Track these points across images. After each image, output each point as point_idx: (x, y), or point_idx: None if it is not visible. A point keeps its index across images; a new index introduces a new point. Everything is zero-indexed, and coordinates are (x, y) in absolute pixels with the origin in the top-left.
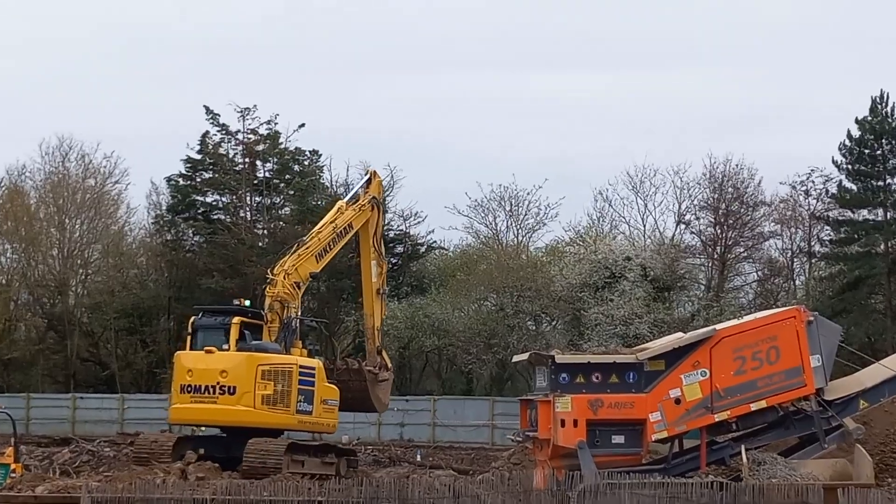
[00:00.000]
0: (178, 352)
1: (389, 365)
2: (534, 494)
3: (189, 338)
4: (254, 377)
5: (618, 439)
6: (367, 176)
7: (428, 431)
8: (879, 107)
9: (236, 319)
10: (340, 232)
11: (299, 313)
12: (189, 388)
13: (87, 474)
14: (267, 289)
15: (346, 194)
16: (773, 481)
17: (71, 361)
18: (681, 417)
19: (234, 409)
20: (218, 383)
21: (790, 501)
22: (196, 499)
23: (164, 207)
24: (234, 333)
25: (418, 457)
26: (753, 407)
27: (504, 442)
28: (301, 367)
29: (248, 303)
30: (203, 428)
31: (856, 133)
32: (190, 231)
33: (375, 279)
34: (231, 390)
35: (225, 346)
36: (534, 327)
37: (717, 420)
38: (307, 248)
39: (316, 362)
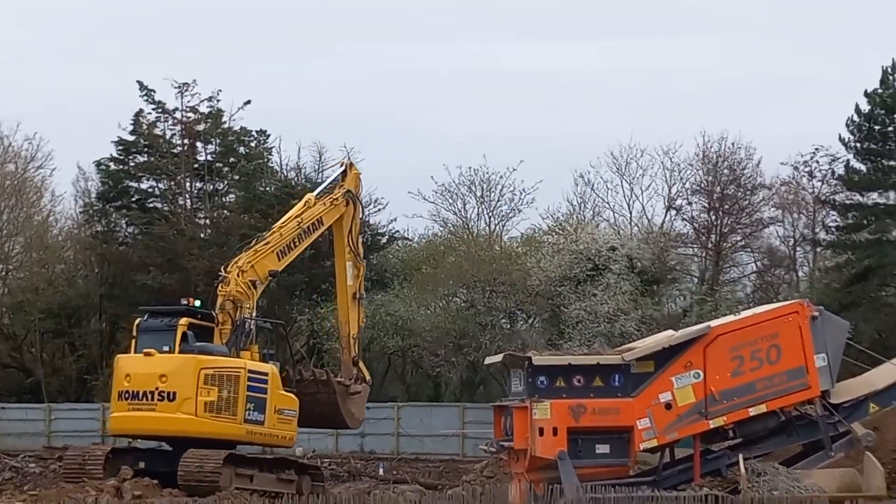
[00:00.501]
0: (118, 355)
1: (368, 377)
2: None
3: (133, 341)
4: (196, 382)
5: (602, 449)
6: (342, 168)
7: (391, 442)
8: (891, 78)
9: (184, 321)
10: (307, 228)
11: (254, 314)
12: (127, 395)
13: (10, 493)
14: (219, 287)
15: (297, 178)
16: (774, 494)
17: None
18: (672, 424)
19: (174, 418)
20: (157, 389)
21: None
22: None
23: (93, 195)
24: (179, 335)
25: (381, 470)
26: (752, 412)
27: (476, 453)
28: (251, 371)
29: (198, 303)
30: (137, 440)
31: (864, 107)
32: (123, 221)
33: (351, 282)
34: (171, 396)
35: (165, 349)
36: (508, 326)
37: (712, 426)
38: (266, 244)
39: (269, 367)
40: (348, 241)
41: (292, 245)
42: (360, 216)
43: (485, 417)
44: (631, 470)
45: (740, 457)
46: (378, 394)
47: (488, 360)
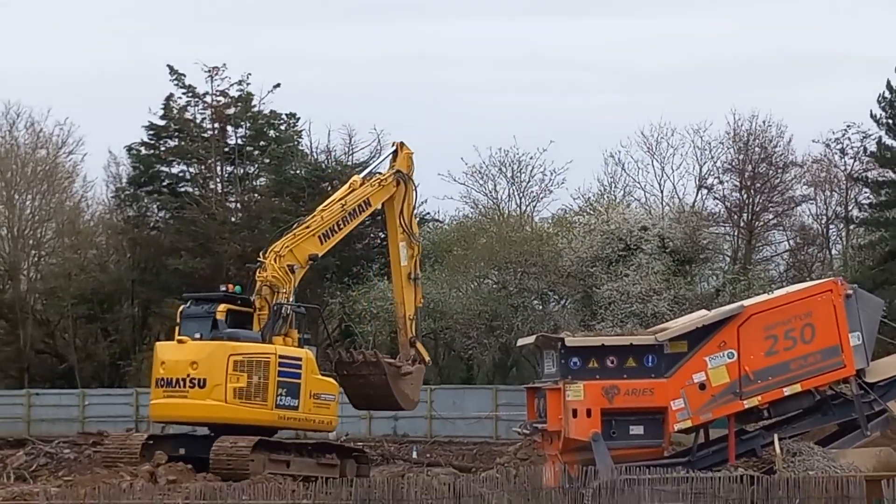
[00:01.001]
0: (157, 342)
1: (427, 358)
2: (544, 493)
3: (177, 327)
4: (225, 368)
5: (636, 430)
6: (393, 148)
7: (424, 425)
8: None
9: (222, 307)
10: (353, 210)
11: (290, 299)
12: (162, 382)
13: (45, 479)
14: (257, 272)
15: (328, 161)
16: (809, 474)
17: (24, 354)
18: (706, 404)
19: (204, 404)
20: (188, 376)
21: (829, 496)
22: None
23: (124, 180)
24: (211, 322)
25: (414, 453)
26: (787, 391)
27: (509, 435)
28: (282, 357)
29: (237, 289)
30: (169, 427)
31: None
32: (154, 206)
33: (405, 262)
34: (201, 383)
35: (197, 336)
36: (540, 307)
37: (746, 407)
38: (307, 228)
39: (304, 352)
40: (400, 221)
41: (336, 228)
42: (414, 196)
43: (517, 399)
44: (665, 451)
45: (775, 437)
46: None
47: (521, 342)
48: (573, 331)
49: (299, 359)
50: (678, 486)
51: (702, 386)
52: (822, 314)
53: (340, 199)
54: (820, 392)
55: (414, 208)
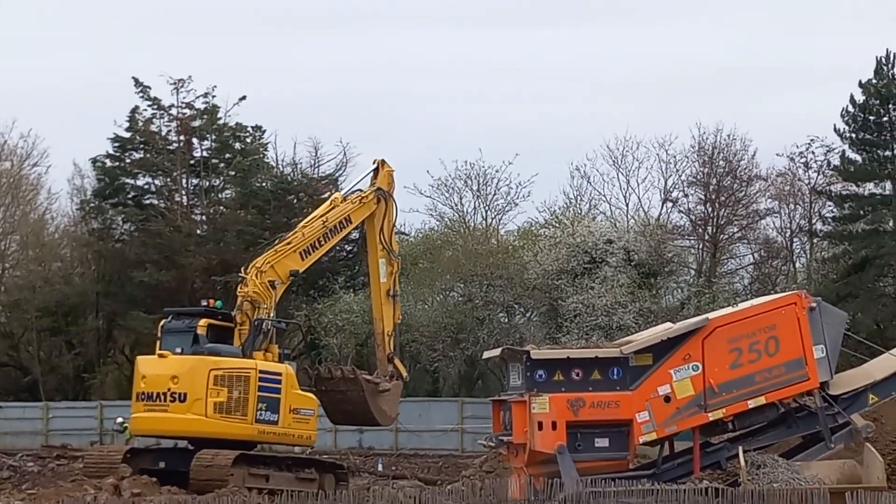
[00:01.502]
0: (139, 356)
1: (404, 374)
2: None
3: (158, 342)
4: (206, 383)
5: (602, 442)
6: (374, 165)
7: (390, 438)
8: (885, 68)
9: (203, 322)
10: (334, 227)
11: (271, 314)
12: (143, 396)
13: (8, 492)
14: (238, 288)
15: (293, 174)
16: (774, 486)
17: None
18: (671, 417)
19: (185, 419)
20: (169, 390)
21: None
22: None
23: (89, 192)
24: (192, 337)
25: (380, 466)
26: (751, 404)
27: (475, 448)
28: (262, 372)
29: (219, 303)
30: (133, 440)
31: (859, 98)
32: (119, 218)
33: (385, 279)
34: (182, 397)
35: (177, 350)
36: (506, 320)
37: (711, 419)
38: (288, 245)
39: (283, 367)
40: (380, 238)
41: (317, 244)
42: (394, 213)
43: (483, 412)
44: (630, 463)
45: (740, 449)
46: None
47: (486, 355)
48: (539, 343)
49: (279, 374)
50: (643, 498)
51: (667, 398)
52: (786, 327)
53: (322, 216)
54: (784, 405)
55: (394, 225)
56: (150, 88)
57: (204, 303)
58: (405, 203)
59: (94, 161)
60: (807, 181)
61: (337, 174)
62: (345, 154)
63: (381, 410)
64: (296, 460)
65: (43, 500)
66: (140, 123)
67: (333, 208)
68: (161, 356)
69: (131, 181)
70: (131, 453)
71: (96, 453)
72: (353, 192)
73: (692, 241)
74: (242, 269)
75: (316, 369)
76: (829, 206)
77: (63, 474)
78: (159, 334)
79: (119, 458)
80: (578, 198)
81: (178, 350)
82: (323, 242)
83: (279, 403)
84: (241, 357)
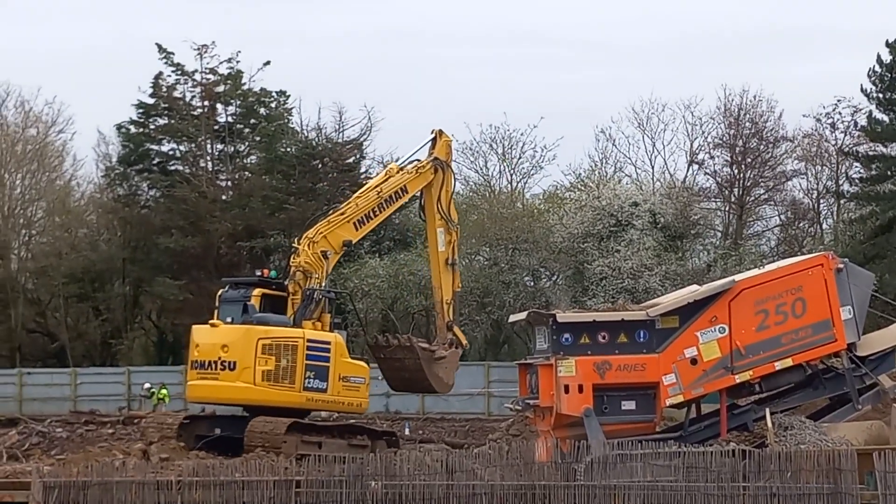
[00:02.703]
0: (194, 325)
1: (464, 341)
2: (536, 468)
3: (216, 311)
4: (254, 352)
5: (628, 405)
6: (432, 136)
7: (417, 402)
8: None
9: (257, 291)
10: (389, 198)
11: (323, 284)
12: (196, 364)
13: (37, 458)
14: (291, 258)
15: (318, 138)
16: (801, 447)
17: (16, 333)
18: (698, 379)
19: (234, 387)
20: (219, 359)
21: (821, 469)
22: (160, 481)
23: (114, 159)
24: (243, 307)
25: (407, 430)
26: (778, 366)
27: (502, 411)
28: (311, 341)
29: (273, 273)
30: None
31: (886, 58)
32: (144, 184)
33: (443, 248)
34: (231, 366)
35: (228, 320)
36: (532, 283)
37: (738, 381)
38: (342, 215)
39: (333, 336)
40: (438, 208)
41: (371, 215)
42: (452, 183)
43: (510, 376)
44: (657, 426)
45: (767, 411)
46: None
47: (512, 318)
48: (565, 307)
49: (328, 343)
50: (670, 460)
51: (693, 361)
52: (813, 289)
53: (376, 187)
54: (811, 366)
55: (452, 195)
56: (173, 54)
57: (258, 273)
58: None
59: (118, 127)
60: (833, 142)
61: (362, 139)
62: (369, 119)
63: (437, 378)
64: (348, 427)
65: (72, 465)
66: (164, 89)
67: (388, 178)
68: (213, 325)
69: (156, 147)
70: (189, 419)
71: (154, 421)
72: (410, 163)
73: (718, 203)
74: (295, 240)
75: (374, 337)
76: (856, 166)
77: (91, 440)
78: (217, 304)
79: (176, 425)
80: (604, 161)
81: (229, 319)
82: (377, 213)
83: (328, 371)
84: (290, 326)
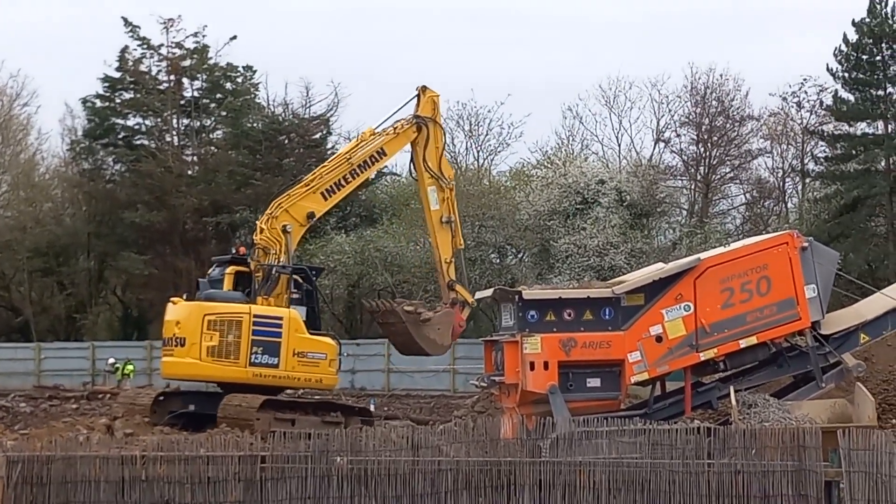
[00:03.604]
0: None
1: (470, 300)
2: (501, 445)
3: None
4: (200, 328)
5: (593, 382)
6: (416, 93)
7: (382, 378)
8: (878, 7)
9: (231, 269)
10: (364, 163)
11: (280, 259)
12: (163, 341)
13: (1, 432)
14: (254, 235)
15: (284, 114)
16: (765, 425)
17: None
18: (663, 357)
19: (184, 362)
20: (174, 335)
21: (785, 446)
22: (125, 456)
23: (80, 132)
24: (226, 284)
25: (372, 406)
26: (743, 344)
27: (467, 388)
28: (258, 316)
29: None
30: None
31: (853, 37)
32: (110, 159)
33: (436, 206)
34: (182, 342)
35: (184, 297)
36: (498, 260)
37: (702, 359)
38: (305, 186)
39: (286, 312)
40: (426, 166)
41: (342, 182)
42: (442, 138)
43: (475, 353)
44: (622, 403)
45: (731, 389)
46: (367, 330)
47: (478, 295)
48: (530, 284)
49: (279, 318)
50: (635, 437)
51: (658, 338)
52: (777, 267)
53: (346, 153)
54: (776, 344)
55: (443, 151)
56: (139, 28)
57: (233, 250)
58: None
59: (84, 101)
60: (799, 121)
61: (328, 114)
62: (336, 94)
63: (427, 340)
64: (322, 404)
65: (35, 440)
66: (130, 63)
67: (360, 144)
68: (174, 303)
69: (122, 121)
70: (163, 396)
71: (129, 395)
72: (391, 125)
73: (684, 182)
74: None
75: (369, 303)
76: (822, 146)
77: (55, 415)
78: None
79: (144, 401)
80: (570, 138)
81: (185, 296)
82: (350, 179)
83: (279, 347)
84: (241, 302)
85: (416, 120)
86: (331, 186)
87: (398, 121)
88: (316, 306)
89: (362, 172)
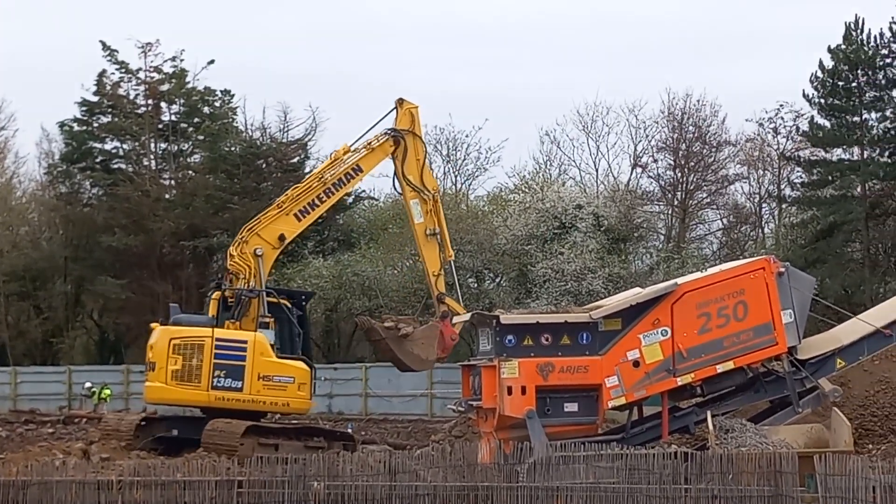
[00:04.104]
0: None
1: (461, 311)
2: (478, 469)
3: None
4: (166, 352)
5: (571, 407)
6: (393, 107)
7: (359, 403)
8: (854, 34)
9: (215, 294)
10: (339, 181)
11: (250, 284)
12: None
13: None
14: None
15: (262, 138)
16: (742, 450)
17: None
18: (640, 382)
19: (154, 386)
20: (149, 359)
21: (762, 471)
22: (101, 481)
23: (57, 156)
24: (210, 309)
25: (349, 431)
26: (720, 369)
27: (444, 413)
28: (220, 340)
29: None
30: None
31: (828, 63)
32: (87, 182)
33: (421, 219)
34: (153, 366)
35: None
36: (475, 285)
37: (679, 384)
38: (277, 208)
39: (251, 335)
40: (406, 180)
41: (316, 202)
42: (423, 150)
43: (453, 377)
44: (599, 428)
45: (708, 414)
46: (346, 354)
47: (456, 320)
48: (508, 308)
49: (243, 342)
50: (613, 462)
51: (636, 363)
52: (754, 292)
53: (320, 172)
54: (752, 369)
55: (424, 163)
56: (117, 52)
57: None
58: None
59: (61, 125)
60: (776, 147)
61: (306, 139)
62: (314, 119)
63: (411, 355)
64: (305, 430)
65: (11, 465)
66: (108, 87)
67: (334, 162)
68: (152, 328)
69: (99, 145)
70: (145, 421)
71: (112, 421)
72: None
73: (661, 207)
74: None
75: (357, 321)
76: (798, 171)
77: (31, 439)
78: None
79: (133, 426)
80: (548, 163)
81: (160, 320)
82: (324, 199)
83: (243, 370)
84: (207, 326)
85: (393, 133)
86: (304, 207)
87: (375, 136)
88: (302, 330)
89: (337, 191)
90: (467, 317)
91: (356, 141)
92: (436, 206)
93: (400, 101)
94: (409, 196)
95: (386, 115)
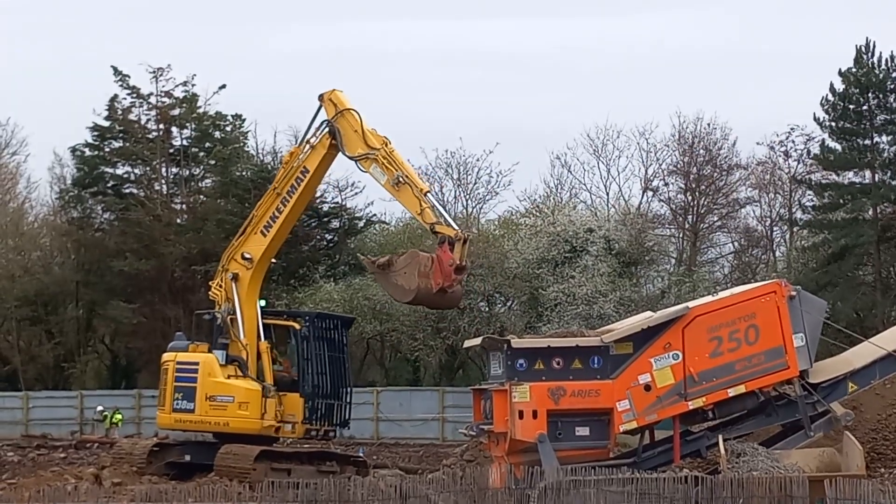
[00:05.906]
0: None
1: (453, 233)
2: (490, 494)
3: None
4: (161, 378)
5: (582, 431)
6: (319, 105)
7: (371, 427)
8: (865, 57)
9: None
10: (291, 187)
11: (222, 307)
12: None
13: None
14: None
15: (273, 162)
16: (753, 474)
17: None
18: (651, 406)
19: (159, 413)
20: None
21: (773, 496)
22: None
23: (69, 181)
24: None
25: (361, 455)
26: (731, 392)
27: (456, 437)
28: (180, 363)
29: (261, 302)
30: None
31: (839, 87)
32: (99, 207)
33: (383, 178)
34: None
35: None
36: (487, 309)
37: (691, 408)
38: (242, 232)
39: (202, 356)
40: (355, 158)
41: (276, 215)
42: (358, 118)
43: (464, 401)
44: (611, 452)
45: (720, 438)
46: (357, 378)
47: (467, 344)
48: (519, 332)
49: (196, 363)
50: (624, 486)
51: (647, 387)
52: (766, 316)
53: (273, 185)
54: (764, 393)
55: (362, 125)
56: (129, 77)
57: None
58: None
59: (73, 150)
60: (787, 170)
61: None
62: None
63: (394, 286)
64: (318, 454)
65: (23, 489)
66: (119, 112)
67: (283, 171)
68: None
69: (111, 170)
70: (158, 446)
71: (125, 447)
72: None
73: (672, 230)
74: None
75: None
76: (809, 194)
77: (43, 464)
78: None
79: (146, 451)
80: (559, 186)
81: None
82: (282, 209)
83: (194, 392)
84: (179, 351)
85: (326, 126)
86: (267, 222)
87: (307, 137)
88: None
89: (290, 198)
90: (478, 341)
91: (300, 143)
92: (391, 154)
93: (320, 96)
94: (365, 167)
95: (316, 115)
